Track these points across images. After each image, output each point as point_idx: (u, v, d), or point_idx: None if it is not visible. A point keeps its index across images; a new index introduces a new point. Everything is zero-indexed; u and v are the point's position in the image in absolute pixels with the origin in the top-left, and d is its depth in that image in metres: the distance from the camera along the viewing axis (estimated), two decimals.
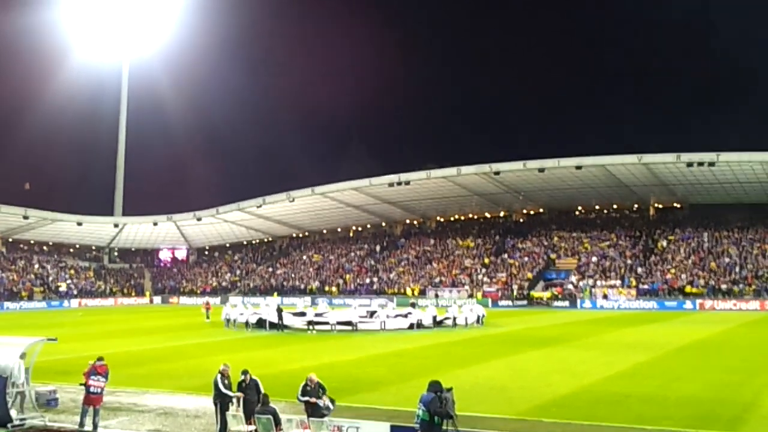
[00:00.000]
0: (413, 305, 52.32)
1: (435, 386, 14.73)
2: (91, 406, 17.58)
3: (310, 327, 44.39)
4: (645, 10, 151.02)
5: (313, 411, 16.34)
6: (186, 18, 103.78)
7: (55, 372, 25.40)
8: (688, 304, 65.86)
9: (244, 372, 17.24)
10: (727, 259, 71.34)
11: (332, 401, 16.57)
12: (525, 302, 72.68)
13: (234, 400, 16.93)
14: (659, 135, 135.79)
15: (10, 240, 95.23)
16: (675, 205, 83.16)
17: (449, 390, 14.81)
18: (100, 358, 18.36)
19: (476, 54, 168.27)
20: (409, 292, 78.38)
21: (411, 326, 45.39)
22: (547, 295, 73.24)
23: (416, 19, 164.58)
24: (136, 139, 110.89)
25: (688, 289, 68.13)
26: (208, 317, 55.24)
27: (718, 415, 19.03)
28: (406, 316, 47.30)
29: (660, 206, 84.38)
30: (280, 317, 45.81)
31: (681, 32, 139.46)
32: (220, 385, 16.97)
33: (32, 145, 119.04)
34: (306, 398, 16.39)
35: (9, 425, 17.57)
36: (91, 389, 17.54)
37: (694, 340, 38.36)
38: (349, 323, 44.96)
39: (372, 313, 49.02)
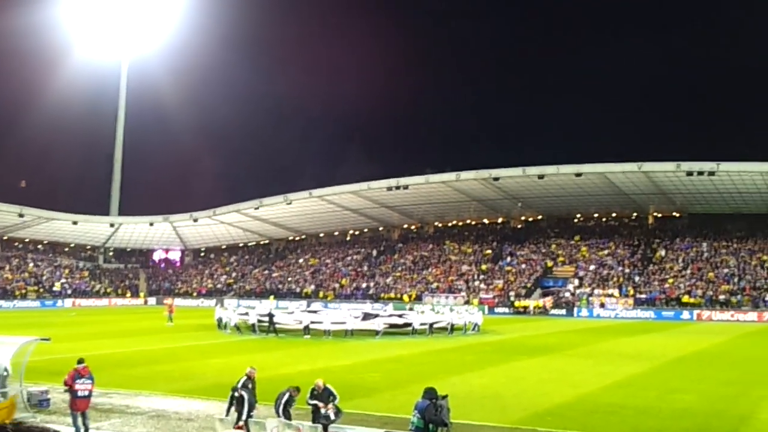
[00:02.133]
0: (410, 309, 52.09)
1: (430, 393, 14.62)
2: (80, 411, 17.31)
3: (306, 332, 44.11)
4: (647, 17, 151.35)
5: (315, 416, 16.19)
6: (185, 18, 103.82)
7: (48, 372, 25.14)
8: (686, 315, 65.71)
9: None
10: (725, 270, 71.23)
11: (338, 412, 16.35)
12: (508, 310, 72.17)
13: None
14: (660, 143, 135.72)
15: (5, 238, 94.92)
16: (674, 214, 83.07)
17: (444, 397, 14.69)
18: (80, 361, 17.96)
19: (477, 59, 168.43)
20: (405, 297, 78.16)
21: (406, 325, 45.35)
22: (534, 304, 72.56)
23: (417, 23, 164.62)
24: (133, 139, 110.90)
25: (685, 299, 68.00)
26: (170, 320, 53.44)
27: (714, 427, 18.92)
28: (400, 316, 47.08)
29: (659, 215, 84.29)
30: (272, 321, 45.50)
31: (681, 40, 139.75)
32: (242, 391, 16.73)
33: (29, 143, 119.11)
34: (314, 402, 16.26)
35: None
36: (80, 393, 17.23)
37: (691, 351, 38.24)
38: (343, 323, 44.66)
39: (367, 315, 48.88)
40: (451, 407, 14.86)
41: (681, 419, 19.66)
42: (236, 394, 16.38)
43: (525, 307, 71.85)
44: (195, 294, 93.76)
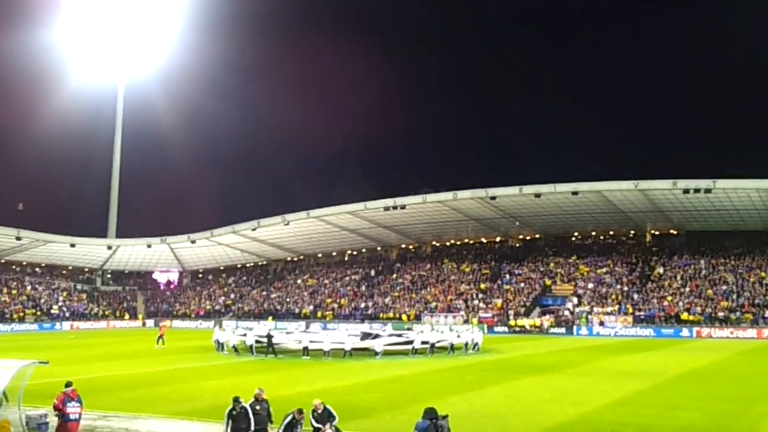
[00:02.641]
0: (409, 329, 51.96)
1: (430, 413, 14.55)
2: None
3: (305, 353, 43.94)
4: (643, 39, 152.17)
5: None
6: (182, 39, 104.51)
7: (46, 396, 24.95)
8: (685, 332, 65.58)
9: (236, 399, 16.96)
10: (724, 287, 71.16)
11: None
12: (505, 329, 72.02)
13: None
14: (656, 161, 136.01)
15: (2, 261, 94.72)
16: (671, 231, 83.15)
17: (444, 417, 14.62)
18: (68, 384, 17.79)
19: (472, 80, 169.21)
20: (404, 317, 77.97)
21: (407, 343, 45.43)
22: (530, 323, 72.34)
23: (412, 46, 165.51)
24: (130, 161, 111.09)
25: (684, 316, 67.87)
26: (162, 343, 52.99)
27: None
28: (400, 335, 46.95)
29: (656, 232, 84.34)
30: (270, 343, 45.36)
31: (676, 56, 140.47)
32: (250, 413, 16.64)
33: (26, 165, 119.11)
34: (318, 425, 16.13)
35: None
36: (71, 416, 17.09)
37: (691, 368, 38.12)
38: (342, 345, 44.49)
39: (365, 336, 48.79)
40: (452, 427, 14.78)
41: None
42: (237, 408, 16.40)
43: (521, 327, 71.64)
44: (193, 315, 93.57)
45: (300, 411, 16.26)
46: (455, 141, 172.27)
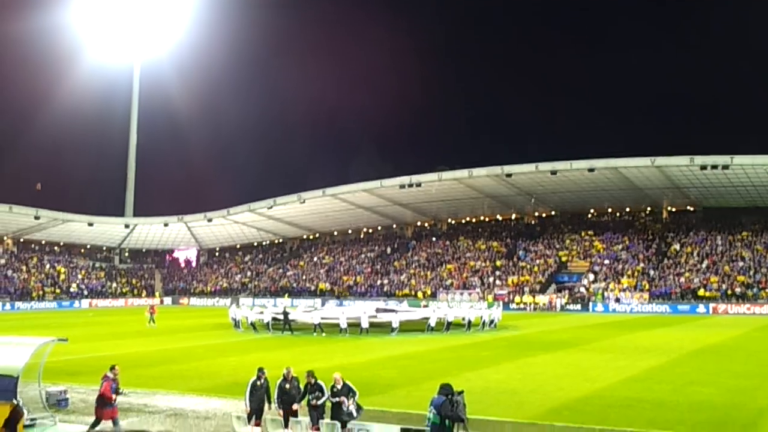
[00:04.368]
0: (425, 306, 52.19)
1: (446, 389, 14.61)
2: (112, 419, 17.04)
3: (317, 329, 44.19)
4: (660, 9, 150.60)
5: (335, 413, 16.16)
6: (197, 19, 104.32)
7: (65, 372, 25.38)
8: (702, 308, 65.48)
9: (261, 370, 17.15)
10: (740, 263, 70.87)
11: (359, 408, 16.32)
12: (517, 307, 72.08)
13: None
14: (673, 137, 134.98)
15: (22, 240, 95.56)
16: (688, 208, 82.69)
17: (460, 393, 14.67)
18: (113, 367, 17.79)
19: (489, 57, 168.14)
20: (420, 294, 78.17)
21: (424, 319, 45.97)
22: (530, 300, 72.36)
23: (429, 23, 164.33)
24: (147, 140, 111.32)
25: (701, 292, 67.73)
26: (152, 321, 52.87)
27: (732, 420, 18.83)
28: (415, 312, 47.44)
29: (673, 209, 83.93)
30: (287, 320, 45.68)
31: (694, 32, 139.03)
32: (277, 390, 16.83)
33: (44, 145, 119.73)
34: (337, 399, 16.21)
35: None
36: (115, 402, 17.21)
37: (707, 344, 38.06)
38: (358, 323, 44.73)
39: (380, 311, 49.17)
40: (467, 403, 14.85)
41: (699, 412, 19.59)
42: (261, 379, 16.68)
43: (535, 304, 71.72)
44: (210, 292, 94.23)
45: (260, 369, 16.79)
46: (472, 119, 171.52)
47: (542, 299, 72.29)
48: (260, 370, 17.12)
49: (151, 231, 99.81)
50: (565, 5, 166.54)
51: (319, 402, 16.39)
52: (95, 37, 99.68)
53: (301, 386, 16.90)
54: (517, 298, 73.54)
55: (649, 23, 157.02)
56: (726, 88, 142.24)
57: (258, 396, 16.81)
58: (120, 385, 17.31)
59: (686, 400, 21.23)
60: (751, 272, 69.05)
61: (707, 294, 67.35)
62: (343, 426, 15.77)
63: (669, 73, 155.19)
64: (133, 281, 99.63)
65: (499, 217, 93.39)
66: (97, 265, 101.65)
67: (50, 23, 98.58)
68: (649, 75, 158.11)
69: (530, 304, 71.94)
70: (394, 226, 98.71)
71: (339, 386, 16.30)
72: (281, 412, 16.65)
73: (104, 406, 16.84)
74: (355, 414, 16.12)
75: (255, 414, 16.74)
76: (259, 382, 16.92)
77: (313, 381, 16.69)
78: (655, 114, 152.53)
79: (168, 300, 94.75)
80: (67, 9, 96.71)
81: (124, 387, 17.71)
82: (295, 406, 16.60)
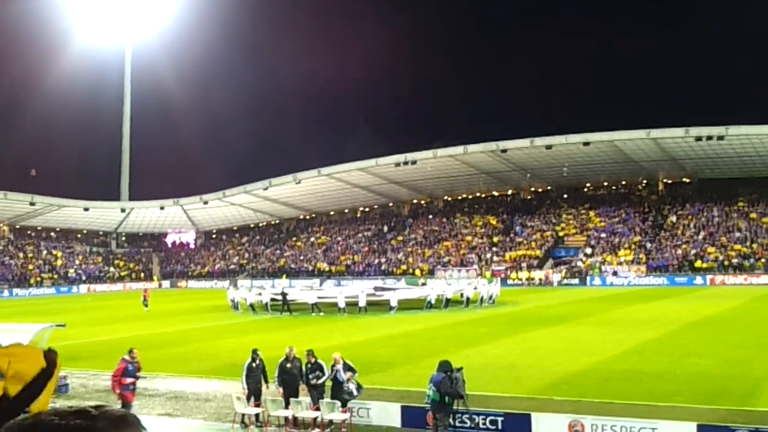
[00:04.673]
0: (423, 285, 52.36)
1: (445, 366, 14.69)
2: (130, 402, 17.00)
3: (315, 309, 44.25)
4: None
5: (335, 392, 16.21)
6: (188, 0, 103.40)
7: (64, 358, 25.02)
8: (699, 280, 65.63)
9: (255, 351, 17.25)
10: (737, 234, 70.99)
11: (359, 387, 16.38)
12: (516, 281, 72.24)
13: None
14: (668, 108, 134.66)
15: (18, 227, 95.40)
16: (684, 180, 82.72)
17: (459, 370, 14.75)
18: (131, 350, 17.72)
19: (482, 35, 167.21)
20: (417, 272, 78.26)
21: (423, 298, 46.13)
22: (526, 275, 72.61)
23: (423, 0, 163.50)
24: (140, 124, 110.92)
25: (698, 264, 67.87)
26: (146, 305, 52.38)
27: (730, 390, 18.94)
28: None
29: (669, 181, 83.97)
30: (285, 300, 45.75)
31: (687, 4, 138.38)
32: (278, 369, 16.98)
33: (37, 131, 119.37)
34: (342, 379, 16.25)
35: None
36: (130, 386, 17.11)
37: (705, 315, 38.21)
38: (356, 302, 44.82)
39: (378, 289, 49.31)
40: (466, 379, 14.92)
41: (697, 383, 19.69)
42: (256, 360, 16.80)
43: (530, 279, 71.86)
44: (207, 274, 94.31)
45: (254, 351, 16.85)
46: (466, 96, 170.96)
47: (538, 274, 72.41)
48: (254, 351, 17.22)
49: (147, 214, 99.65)
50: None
51: (319, 381, 16.45)
52: (85, 19, 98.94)
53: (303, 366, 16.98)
54: (513, 274, 73.63)
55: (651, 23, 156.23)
56: (721, 56, 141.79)
57: (254, 377, 16.90)
58: (141, 369, 17.32)
59: (684, 371, 21.34)
60: (748, 243, 69.18)
61: (704, 265, 67.50)
62: (344, 405, 15.83)
63: (662, 41, 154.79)
64: (131, 265, 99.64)
65: (495, 193, 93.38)
66: (94, 250, 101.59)
67: (40, 6, 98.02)
68: (642, 46, 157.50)
69: (526, 279, 72.10)
70: (390, 204, 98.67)
71: (339, 365, 16.35)
72: (281, 390, 16.72)
73: (124, 388, 16.80)
74: (355, 393, 16.18)
75: (253, 395, 16.82)
76: (254, 364, 17.01)
77: (313, 360, 16.76)
78: (649, 84, 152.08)
79: (166, 283, 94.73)
80: None
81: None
82: (302, 390, 16.72)
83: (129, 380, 16.88)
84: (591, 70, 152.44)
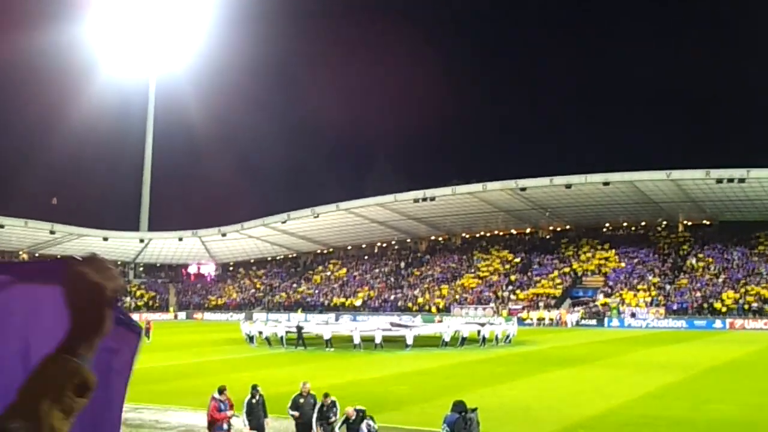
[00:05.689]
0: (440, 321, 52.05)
1: (459, 406, 14.48)
2: None
3: (328, 344, 44.05)
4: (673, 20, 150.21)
5: None
6: (213, 34, 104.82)
7: None
8: (718, 323, 64.85)
9: (254, 387, 17.14)
10: (757, 278, 70.21)
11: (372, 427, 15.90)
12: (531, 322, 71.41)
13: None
14: (688, 151, 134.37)
15: (37, 255, 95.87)
16: (704, 222, 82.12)
17: (474, 410, 14.53)
18: (221, 389, 17.23)
19: (501, 71, 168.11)
20: (434, 309, 77.85)
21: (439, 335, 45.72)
22: (538, 315, 71.87)
23: (443, 38, 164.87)
24: (162, 155, 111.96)
25: (717, 306, 67.10)
26: (148, 337, 51.01)
27: None
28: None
29: (689, 223, 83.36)
30: (300, 335, 45.61)
31: (706, 44, 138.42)
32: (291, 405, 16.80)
33: (59, 160, 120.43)
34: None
35: None
36: (224, 426, 16.67)
37: (724, 360, 37.65)
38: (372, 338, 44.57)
39: (394, 325, 49.04)
40: (481, 420, 14.68)
41: (717, 430, 19.30)
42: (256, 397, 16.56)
43: (540, 319, 71.08)
44: (224, 307, 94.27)
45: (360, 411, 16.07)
46: (485, 133, 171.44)
47: (549, 314, 71.39)
48: (254, 387, 17.14)
49: (166, 245, 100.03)
50: (579, 19, 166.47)
51: (331, 420, 16.24)
52: (110, 52, 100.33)
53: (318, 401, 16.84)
54: (524, 314, 72.71)
55: (662, 34, 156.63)
56: (742, 99, 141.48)
57: (255, 413, 16.78)
58: (233, 408, 16.96)
59: (704, 417, 20.94)
60: None
61: (724, 309, 66.72)
62: None
63: (684, 83, 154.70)
64: (147, 296, 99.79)
65: (513, 231, 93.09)
66: None
67: (65, 38, 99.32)
68: (664, 87, 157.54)
69: (537, 319, 71.06)
70: (408, 240, 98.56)
71: (353, 418, 15.98)
72: (296, 414, 16.56)
73: (216, 429, 16.54)
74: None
75: (256, 430, 16.70)
76: (254, 400, 16.90)
77: (329, 402, 16.56)
78: (671, 126, 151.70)
79: (182, 314, 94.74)
80: (82, 24, 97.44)
81: (137, 402, 17.61)
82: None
83: (223, 415, 16.59)
84: (613, 107, 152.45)
